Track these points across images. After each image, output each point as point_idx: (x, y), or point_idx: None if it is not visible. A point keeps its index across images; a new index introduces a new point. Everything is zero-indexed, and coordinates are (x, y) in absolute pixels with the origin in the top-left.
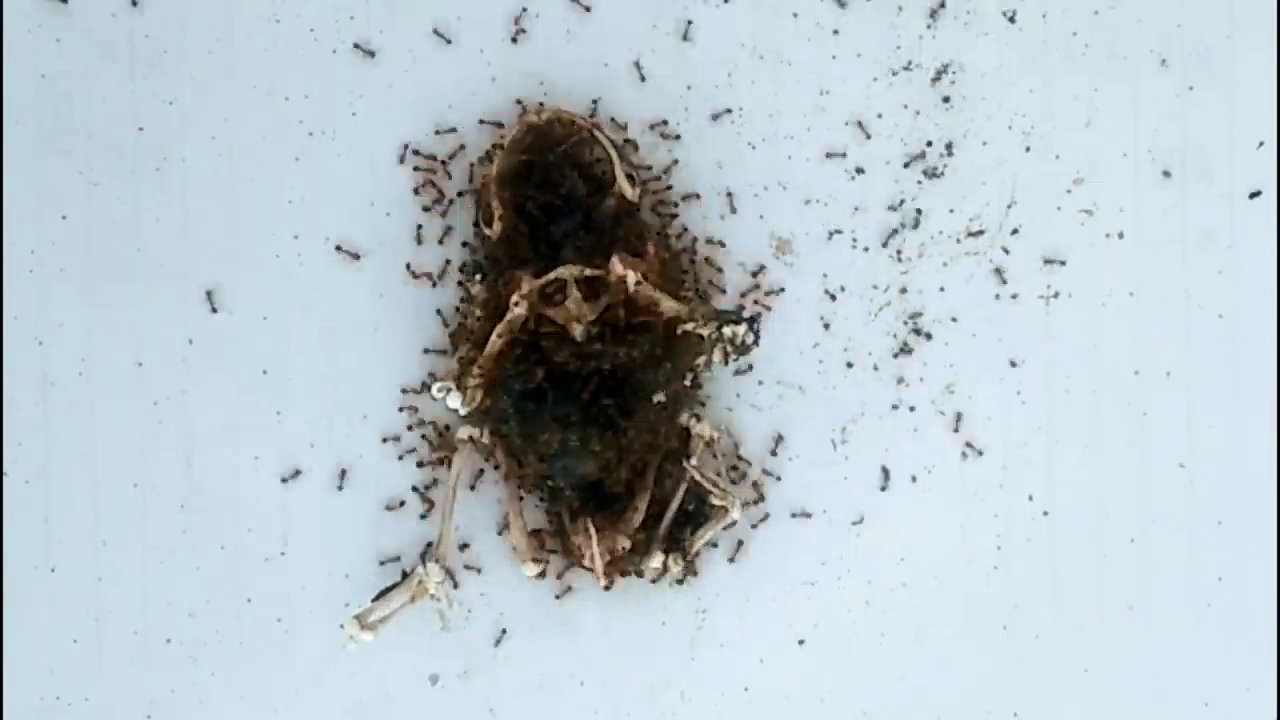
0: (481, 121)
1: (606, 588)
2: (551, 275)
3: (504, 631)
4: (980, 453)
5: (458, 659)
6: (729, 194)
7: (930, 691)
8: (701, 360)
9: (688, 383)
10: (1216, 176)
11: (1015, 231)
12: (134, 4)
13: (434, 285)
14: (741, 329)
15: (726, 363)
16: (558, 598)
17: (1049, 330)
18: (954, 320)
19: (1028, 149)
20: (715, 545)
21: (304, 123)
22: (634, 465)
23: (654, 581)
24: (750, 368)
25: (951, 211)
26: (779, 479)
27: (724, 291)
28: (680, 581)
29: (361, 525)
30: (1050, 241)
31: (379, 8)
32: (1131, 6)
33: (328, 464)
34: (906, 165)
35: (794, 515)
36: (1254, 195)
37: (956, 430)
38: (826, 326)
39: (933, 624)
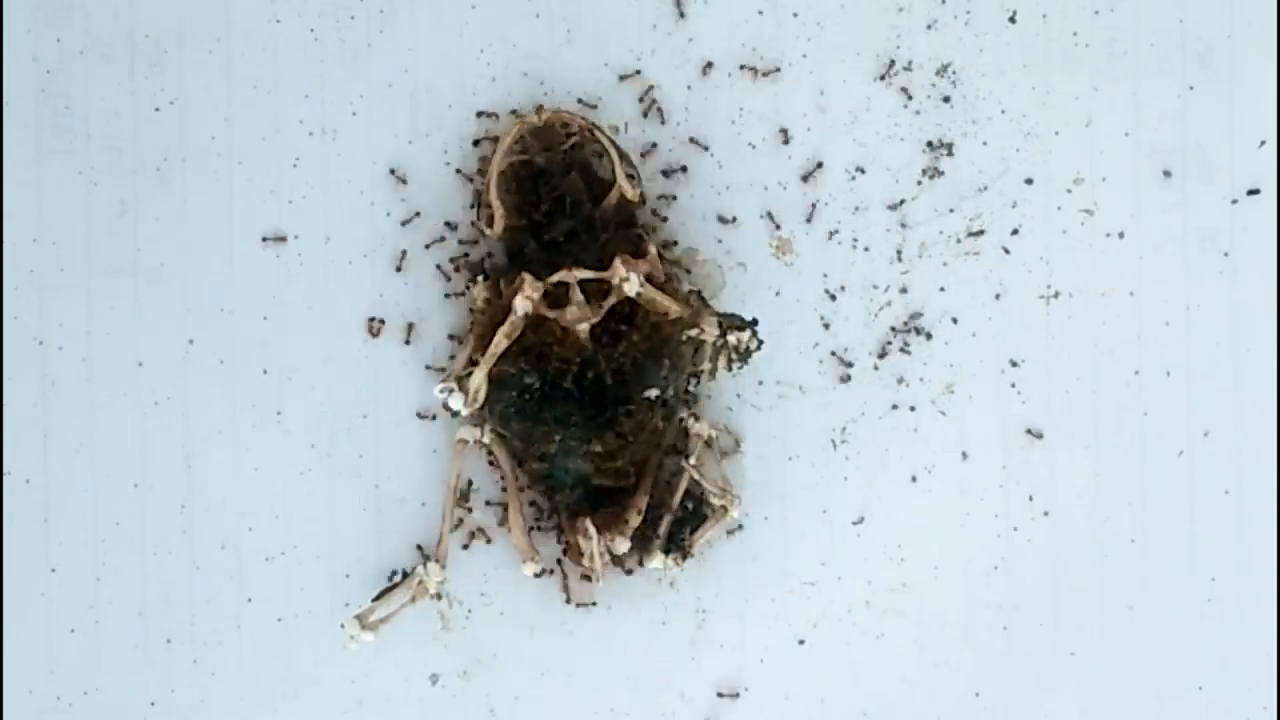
0: (480, 136)
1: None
2: (555, 277)
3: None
4: (981, 452)
5: (458, 659)
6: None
7: (930, 691)
8: (706, 367)
9: (689, 385)
10: (1216, 176)
11: (1015, 231)
12: None
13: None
14: (745, 335)
15: (730, 369)
16: (567, 602)
17: (1049, 330)
18: (954, 320)
19: (1028, 149)
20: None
21: (304, 123)
22: (633, 465)
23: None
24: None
25: (951, 211)
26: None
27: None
28: (671, 584)
29: (361, 525)
30: (1050, 241)
31: (379, 7)
32: (1131, 6)
33: (328, 464)
34: (906, 165)
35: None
36: (1252, 192)
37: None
38: (826, 326)
39: (933, 624)
